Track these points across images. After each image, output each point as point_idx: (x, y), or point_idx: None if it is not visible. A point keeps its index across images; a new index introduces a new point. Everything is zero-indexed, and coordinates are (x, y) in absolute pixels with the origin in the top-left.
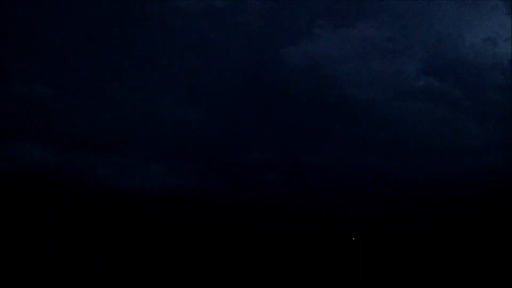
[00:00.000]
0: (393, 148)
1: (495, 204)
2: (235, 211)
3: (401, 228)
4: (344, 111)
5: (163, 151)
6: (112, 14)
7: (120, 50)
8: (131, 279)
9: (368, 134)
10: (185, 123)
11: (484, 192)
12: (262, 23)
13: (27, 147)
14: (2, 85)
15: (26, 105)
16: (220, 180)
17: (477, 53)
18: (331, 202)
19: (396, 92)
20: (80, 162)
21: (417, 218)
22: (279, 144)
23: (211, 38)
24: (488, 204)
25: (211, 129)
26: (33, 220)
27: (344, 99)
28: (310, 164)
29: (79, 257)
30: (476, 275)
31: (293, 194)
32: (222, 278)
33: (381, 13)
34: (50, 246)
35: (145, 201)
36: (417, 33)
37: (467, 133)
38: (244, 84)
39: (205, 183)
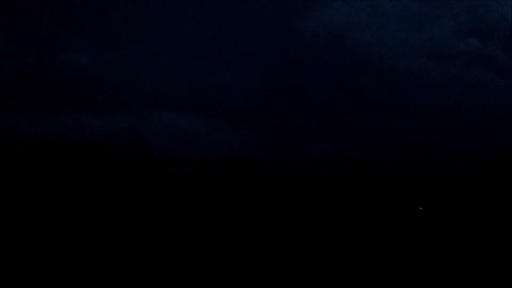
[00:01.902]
0: (433, 116)
1: None
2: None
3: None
4: (376, 80)
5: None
6: None
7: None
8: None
9: (404, 102)
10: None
11: None
12: None
13: (75, 116)
14: (44, 54)
15: (69, 74)
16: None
17: None
18: (371, 171)
19: (430, 56)
20: (128, 129)
21: (460, 189)
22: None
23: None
24: None
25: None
26: (85, 186)
27: (373, 67)
28: (348, 133)
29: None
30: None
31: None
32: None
33: None
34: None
35: (197, 168)
36: None
37: None
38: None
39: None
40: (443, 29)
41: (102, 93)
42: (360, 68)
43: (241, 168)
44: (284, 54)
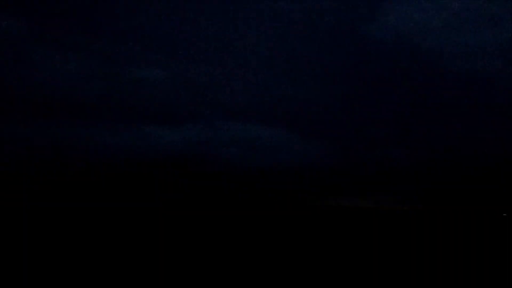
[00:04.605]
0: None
1: None
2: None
3: None
4: (449, 84)
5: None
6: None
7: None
8: None
9: (479, 106)
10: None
11: None
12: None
13: (153, 130)
14: (120, 71)
15: (146, 89)
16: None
17: None
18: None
19: (507, 58)
20: (204, 143)
21: None
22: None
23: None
24: None
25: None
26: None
27: (445, 71)
28: (421, 138)
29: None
30: None
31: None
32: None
33: None
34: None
35: (271, 177)
36: None
37: None
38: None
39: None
40: None
41: (175, 106)
42: (431, 72)
43: (314, 177)
44: (352, 62)
